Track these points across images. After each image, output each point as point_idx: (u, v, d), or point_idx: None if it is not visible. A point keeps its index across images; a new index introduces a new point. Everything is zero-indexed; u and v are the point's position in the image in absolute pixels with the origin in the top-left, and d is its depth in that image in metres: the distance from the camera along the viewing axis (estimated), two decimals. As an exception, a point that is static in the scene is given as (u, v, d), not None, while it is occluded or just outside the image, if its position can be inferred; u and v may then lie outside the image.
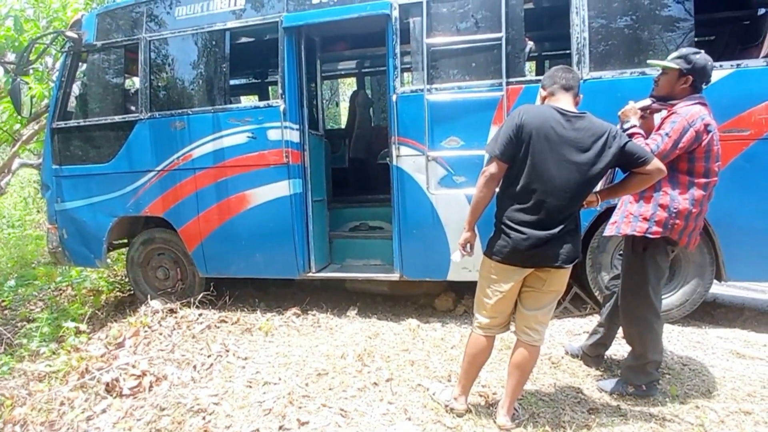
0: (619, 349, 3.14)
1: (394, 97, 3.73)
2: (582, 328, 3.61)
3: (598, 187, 2.35)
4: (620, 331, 2.85)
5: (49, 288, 5.44)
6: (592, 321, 3.52)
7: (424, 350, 3.34)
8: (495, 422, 2.42)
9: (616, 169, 2.40)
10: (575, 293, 3.92)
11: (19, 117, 5.05)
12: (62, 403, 2.86)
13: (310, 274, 4.18)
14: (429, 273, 3.92)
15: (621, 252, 2.80)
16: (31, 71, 5.41)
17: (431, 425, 2.45)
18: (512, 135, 2.17)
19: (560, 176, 2.15)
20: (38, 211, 10.15)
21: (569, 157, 2.15)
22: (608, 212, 3.51)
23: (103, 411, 2.78)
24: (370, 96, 6.59)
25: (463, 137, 3.62)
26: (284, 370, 3.11)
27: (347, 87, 12.93)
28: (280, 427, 2.50)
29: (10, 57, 6.20)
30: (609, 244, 3.61)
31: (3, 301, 5.13)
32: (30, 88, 4.65)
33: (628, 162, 2.21)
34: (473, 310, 2.49)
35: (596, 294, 3.70)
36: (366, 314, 4.12)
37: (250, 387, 2.92)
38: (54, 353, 3.64)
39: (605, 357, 3.08)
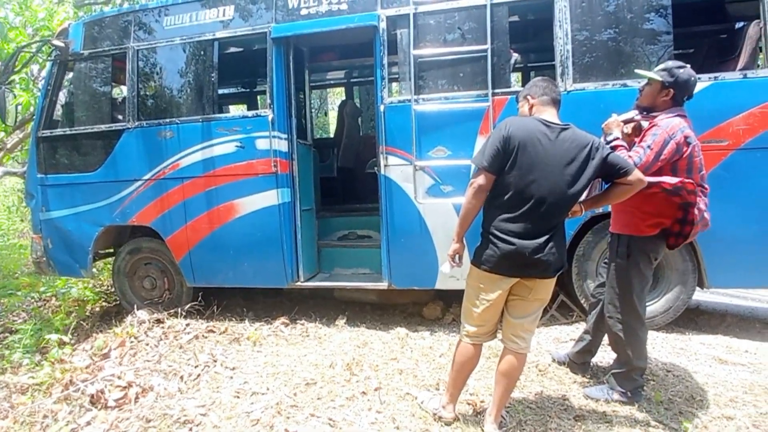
0: (605, 356, 3.18)
1: (381, 107, 3.77)
2: (569, 335, 3.65)
3: (582, 197, 2.39)
4: (606, 338, 2.89)
5: (33, 298, 5.36)
6: (579, 328, 3.56)
7: (412, 359, 3.35)
8: (482, 430, 2.43)
9: (600, 180, 2.46)
10: (562, 301, 3.96)
11: (4, 125, 4.99)
12: (46, 416, 2.81)
13: (299, 284, 4.17)
14: (417, 282, 3.93)
15: (606, 260, 2.84)
16: (16, 79, 5.37)
17: (419, 434, 2.46)
18: (499, 147, 2.21)
19: (546, 187, 2.19)
20: (22, 220, 9.99)
21: (555, 168, 2.19)
22: (593, 221, 3.59)
23: (88, 423, 2.73)
24: (358, 106, 6.63)
25: (450, 147, 3.66)
26: (272, 380, 3.09)
27: (336, 96, 12.97)
28: (268, 438, 2.49)
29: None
30: (594, 252, 3.67)
31: (-15, 312, 5.04)
32: (15, 96, 4.61)
33: (611, 173, 2.27)
34: (461, 318, 2.51)
35: (582, 302, 3.75)
36: (355, 323, 4.12)
37: (238, 397, 2.90)
38: (37, 365, 3.58)
39: (591, 364, 3.12)
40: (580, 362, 3.07)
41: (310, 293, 4.90)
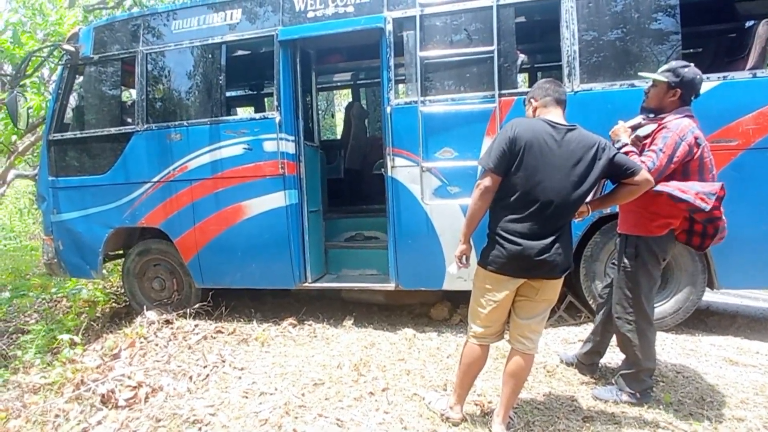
0: (614, 357, 3.16)
1: (388, 109, 3.78)
2: (577, 336, 3.63)
3: (588, 198, 2.38)
4: (614, 339, 2.88)
5: (44, 299, 5.42)
6: (587, 329, 3.54)
7: (419, 360, 3.35)
8: (490, 431, 2.43)
9: (605, 180, 2.45)
10: (570, 302, 3.95)
11: (16, 129, 5.06)
12: (57, 415, 2.84)
13: (306, 285, 4.19)
14: (424, 283, 3.94)
15: (614, 261, 2.83)
16: (28, 83, 5.44)
17: (427, 434, 2.46)
18: (506, 148, 2.21)
19: (553, 188, 2.19)
20: (33, 222, 10.13)
21: (561, 168, 2.19)
22: (601, 222, 3.57)
23: (99, 423, 2.76)
24: (365, 107, 6.65)
25: (457, 148, 3.66)
26: (280, 381, 3.11)
27: (343, 98, 13.01)
28: (277, 438, 2.50)
29: (8, 69, 6.24)
30: (602, 253, 3.65)
31: (-3, 312, 5.10)
32: (27, 99, 4.67)
33: (618, 173, 2.26)
34: (468, 319, 2.51)
35: (590, 302, 3.73)
36: (362, 324, 4.13)
37: (246, 397, 2.92)
38: (49, 365, 3.62)
39: (599, 365, 3.10)
40: (588, 363, 3.06)
41: (318, 294, 4.91)
